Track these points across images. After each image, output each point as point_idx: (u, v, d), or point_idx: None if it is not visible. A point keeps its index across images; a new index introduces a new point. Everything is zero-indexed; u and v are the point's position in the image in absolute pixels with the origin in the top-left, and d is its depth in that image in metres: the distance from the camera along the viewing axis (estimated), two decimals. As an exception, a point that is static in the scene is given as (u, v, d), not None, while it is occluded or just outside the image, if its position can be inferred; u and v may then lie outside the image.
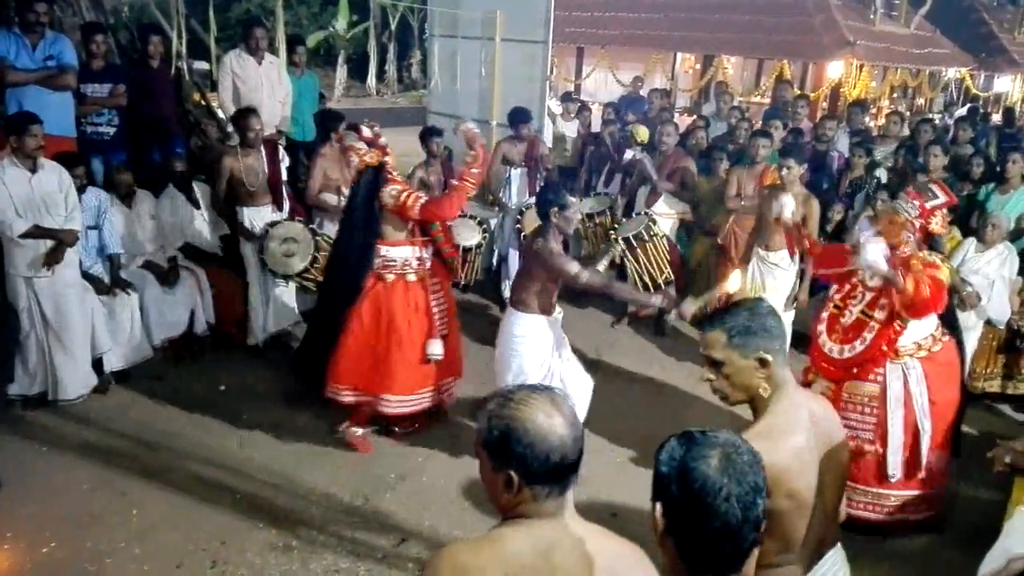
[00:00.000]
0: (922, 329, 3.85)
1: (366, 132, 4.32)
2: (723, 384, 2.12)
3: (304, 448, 4.59)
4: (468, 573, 1.49)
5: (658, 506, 1.46)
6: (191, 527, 3.82)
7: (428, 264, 4.57)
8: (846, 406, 3.91)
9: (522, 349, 4.19)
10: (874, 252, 3.62)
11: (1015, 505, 3.51)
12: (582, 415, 4.17)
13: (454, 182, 4.52)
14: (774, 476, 1.91)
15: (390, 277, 4.40)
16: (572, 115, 8.50)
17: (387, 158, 4.33)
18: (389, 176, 4.33)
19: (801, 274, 5.63)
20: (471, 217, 6.67)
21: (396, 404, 4.46)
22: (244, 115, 5.53)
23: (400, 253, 4.43)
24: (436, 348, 4.47)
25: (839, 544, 2.25)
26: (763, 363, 2.05)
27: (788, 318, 5.56)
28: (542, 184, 6.75)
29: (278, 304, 5.75)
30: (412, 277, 4.46)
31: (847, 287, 4.06)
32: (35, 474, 4.20)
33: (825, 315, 4.09)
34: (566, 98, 9.06)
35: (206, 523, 3.86)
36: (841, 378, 3.95)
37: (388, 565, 3.66)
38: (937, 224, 3.89)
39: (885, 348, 3.82)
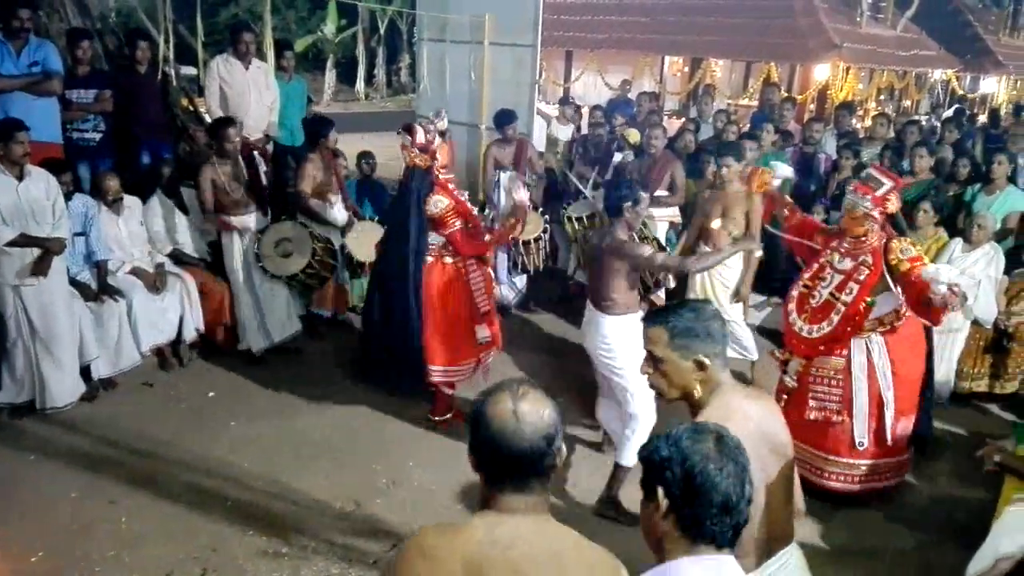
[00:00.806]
0: (884, 307, 4.03)
1: (420, 138, 4.52)
2: (659, 380, 2.19)
3: (295, 454, 4.58)
4: (432, 553, 1.57)
5: (659, 489, 1.55)
6: (181, 535, 3.80)
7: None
8: (814, 380, 4.16)
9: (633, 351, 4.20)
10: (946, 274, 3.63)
11: (1004, 504, 3.53)
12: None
13: (487, 234, 4.95)
14: None
15: (429, 259, 4.67)
16: (568, 119, 8.51)
17: (436, 162, 4.58)
18: (438, 182, 4.60)
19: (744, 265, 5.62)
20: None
21: (439, 374, 4.80)
22: (221, 125, 5.52)
23: (436, 239, 4.69)
24: (483, 332, 4.82)
25: (795, 543, 2.25)
26: (700, 366, 2.11)
27: (736, 312, 5.66)
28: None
29: (275, 311, 5.73)
30: (448, 260, 4.73)
31: (815, 267, 4.24)
32: (23, 483, 4.17)
33: (795, 294, 4.28)
34: (564, 102, 9.06)
35: (197, 530, 3.84)
36: (810, 355, 4.16)
37: (380, 571, 3.65)
38: (893, 205, 4.03)
39: (850, 329, 4.01)
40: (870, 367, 4.05)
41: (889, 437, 4.09)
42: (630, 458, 4.01)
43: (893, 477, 4.29)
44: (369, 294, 5.04)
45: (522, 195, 5.02)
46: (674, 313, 2.16)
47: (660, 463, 1.55)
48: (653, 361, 2.18)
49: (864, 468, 4.16)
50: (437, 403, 4.94)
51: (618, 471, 4.11)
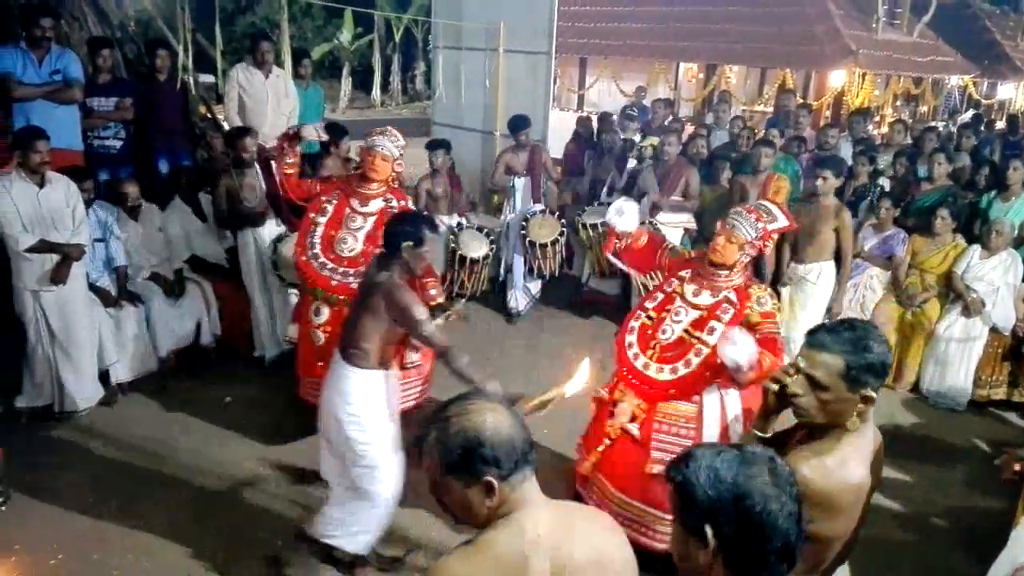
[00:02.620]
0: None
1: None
2: (813, 404, 2.01)
3: (311, 459, 4.57)
4: None
5: (708, 529, 1.40)
6: (198, 539, 3.83)
7: None
8: (660, 426, 3.57)
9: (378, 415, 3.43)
10: (742, 351, 3.16)
11: (1022, 514, 3.50)
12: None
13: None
14: (837, 505, 1.95)
15: None
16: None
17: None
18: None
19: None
20: (478, 228, 6.70)
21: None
22: (238, 135, 5.57)
23: None
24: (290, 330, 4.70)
25: (846, 562, 2.25)
26: (867, 400, 1.98)
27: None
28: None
29: (289, 319, 5.74)
30: None
31: (660, 296, 3.74)
32: (42, 487, 4.20)
33: (635, 325, 3.74)
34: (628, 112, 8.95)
35: (213, 535, 3.87)
36: (655, 400, 3.58)
37: (394, 576, 3.66)
38: (769, 247, 3.68)
39: (709, 375, 3.47)
40: (723, 414, 3.52)
41: None
42: (361, 545, 3.44)
43: None
44: None
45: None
46: (855, 344, 1.97)
47: (709, 502, 1.40)
48: (813, 385, 1.99)
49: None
50: None
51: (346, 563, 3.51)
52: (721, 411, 3.53)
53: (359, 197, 4.55)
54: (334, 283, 4.40)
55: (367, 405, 3.35)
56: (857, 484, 1.99)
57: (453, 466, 1.58)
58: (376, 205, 4.55)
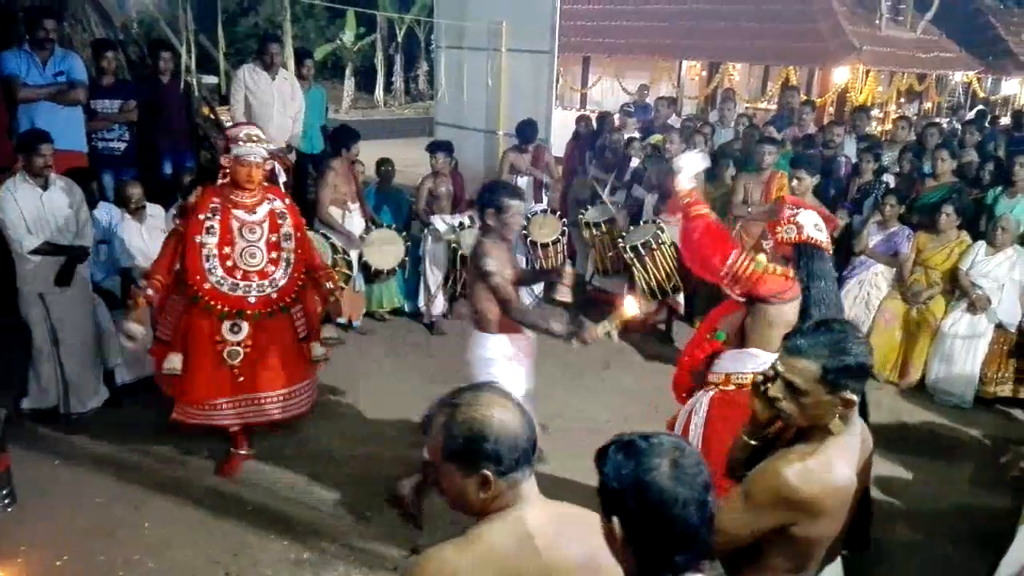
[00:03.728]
0: (742, 363, 3.30)
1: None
2: (793, 409, 2.02)
3: (316, 459, 4.60)
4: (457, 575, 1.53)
5: (615, 520, 1.45)
6: (204, 540, 3.84)
7: None
8: None
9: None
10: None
11: (1029, 510, 3.49)
12: None
13: None
14: (821, 508, 1.95)
15: None
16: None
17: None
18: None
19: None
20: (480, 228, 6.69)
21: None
22: None
23: None
24: (170, 360, 4.13)
25: (838, 558, 2.25)
26: (847, 403, 1.98)
27: None
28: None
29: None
30: None
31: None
32: (48, 488, 4.22)
33: None
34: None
35: (219, 536, 3.87)
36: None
37: (400, 576, 3.67)
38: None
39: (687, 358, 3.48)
40: (685, 428, 3.38)
41: None
42: None
43: None
44: None
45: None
46: (830, 348, 1.97)
47: (612, 494, 1.45)
48: (791, 391, 2.01)
49: None
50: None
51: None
52: (686, 423, 3.41)
53: (242, 207, 4.17)
54: (252, 300, 4.12)
55: (497, 366, 3.70)
56: (843, 487, 1.99)
57: (454, 454, 1.59)
58: (263, 210, 4.22)
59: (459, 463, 1.59)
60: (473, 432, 1.57)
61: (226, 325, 4.09)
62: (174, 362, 4.10)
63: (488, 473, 1.57)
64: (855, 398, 1.97)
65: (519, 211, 3.78)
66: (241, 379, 4.15)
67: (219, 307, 4.07)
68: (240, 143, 4.08)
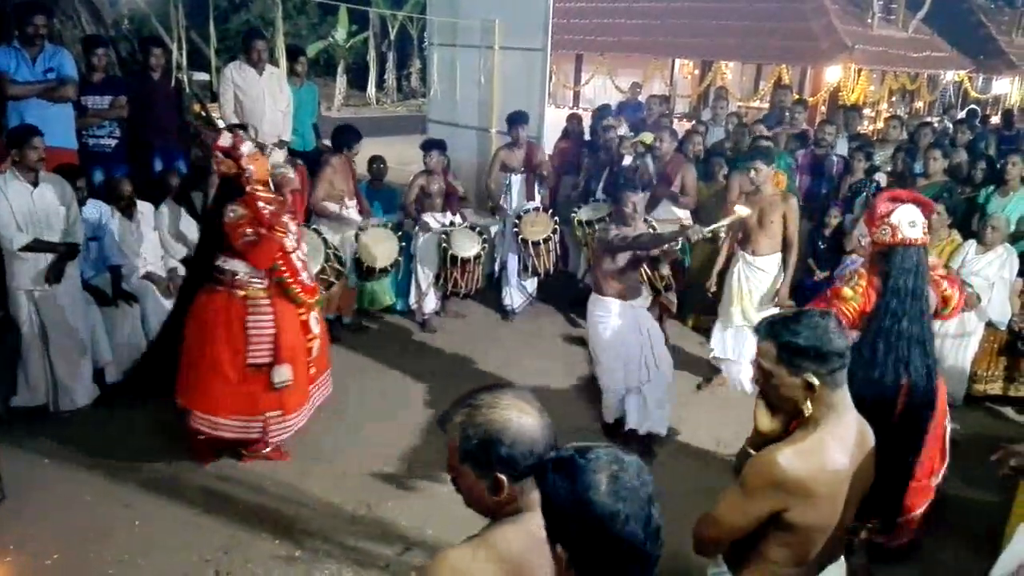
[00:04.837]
0: None
1: (223, 141, 4.02)
2: (771, 393, 2.11)
3: (307, 457, 4.59)
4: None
5: (558, 547, 1.38)
6: (195, 538, 3.82)
7: (265, 284, 4.15)
8: None
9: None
10: None
11: (1021, 508, 3.50)
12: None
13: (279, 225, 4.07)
14: (813, 490, 1.96)
15: (218, 288, 4.10)
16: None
17: (249, 169, 3.99)
18: (247, 192, 4.00)
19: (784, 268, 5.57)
20: (471, 227, 6.70)
21: (201, 422, 4.18)
22: (232, 131, 5.53)
23: (234, 266, 4.08)
24: (282, 374, 4.10)
25: (841, 558, 2.25)
26: (808, 387, 2.01)
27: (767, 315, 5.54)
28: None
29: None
30: (239, 292, 4.08)
31: None
32: (38, 486, 4.20)
33: None
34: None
35: (209, 534, 3.86)
36: None
37: (392, 574, 3.66)
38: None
39: None
40: None
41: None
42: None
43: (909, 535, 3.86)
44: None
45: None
46: (786, 328, 2.04)
47: (553, 517, 1.39)
48: (762, 374, 2.10)
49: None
50: (196, 448, 4.38)
51: None
52: None
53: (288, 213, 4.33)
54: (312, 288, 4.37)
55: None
56: (835, 470, 2.01)
57: (469, 454, 1.58)
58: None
59: (473, 464, 1.59)
60: (489, 435, 1.56)
61: (312, 318, 4.25)
62: (286, 374, 4.10)
63: (501, 477, 1.55)
64: (815, 381, 1.99)
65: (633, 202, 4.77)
66: (312, 371, 4.33)
67: (306, 298, 4.23)
68: (274, 158, 4.46)
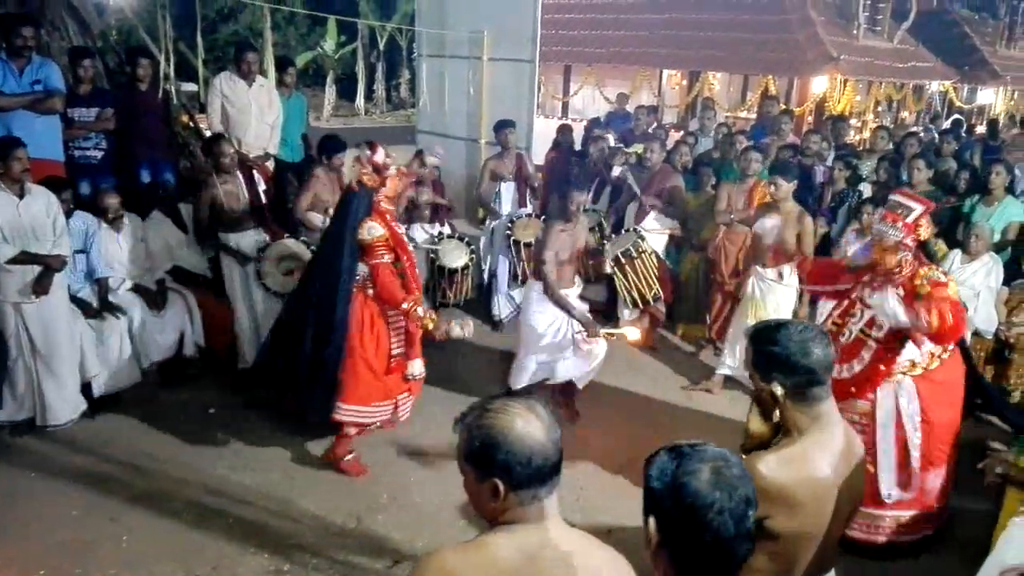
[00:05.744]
0: (910, 350, 3.77)
1: (379, 157, 4.21)
2: (760, 396, 2.16)
3: (296, 470, 4.57)
4: None
5: (651, 520, 1.49)
6: (183, 553, 3.79)
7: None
8: None
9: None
10: (893, 303, 3.63)
11: (1007, 516, 3.51)
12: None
13: (407, 306, 4.28)
14: (794, 498, 1.97)
15: (353, 290, 4.34)
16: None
17: (385, 188, 4.23)
18: (377, 208, 4.21)
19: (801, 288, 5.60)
20: (459, 238, 6.70)
21: (348, 413, 4.39)
22: (215, 142, 5.57)
23: (361, 269, 4.32)
24: (416, 368, 4.49)
25: (833, 570, 2.25)
26: (771, 395, 2.05)
27: None
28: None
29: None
30: (371, 291, 4.33)
31: (845, 303, 3.99)
32: (24, 500, 4.16)
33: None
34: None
35: (198, 548, 3.83)
36: (840, 399, 3.85)
37: (381, 587, 3.65)
38: (925, 231, 3.82)
39: (883, 368, 3.74)
40: (897, 414, 3.78)
41: (916, 489, 3.85)
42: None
43: (924, 530, 4.00)
44: (283, 316, 4.71)
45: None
46: (763, 337, 2.10)
47: (652, 494, 1.50)
48: (752, 379, 2.18)
49: (889, 520, 3.90)
50: (338, 444, 4.56)
51: None
52: (896, 411, 3.78)
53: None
54: None
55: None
56: (818, 479, 2.02)
57: (471, 456, 1.60)
58: None
59: (475, 467, 1.60)
60: (489, 440, 1.57)
61: (420, 311, 4.34)
62: (419, 367, 4.50)
63: (498, 483, 1.56)
64: (778, 391, 2.03)
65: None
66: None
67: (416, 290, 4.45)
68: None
